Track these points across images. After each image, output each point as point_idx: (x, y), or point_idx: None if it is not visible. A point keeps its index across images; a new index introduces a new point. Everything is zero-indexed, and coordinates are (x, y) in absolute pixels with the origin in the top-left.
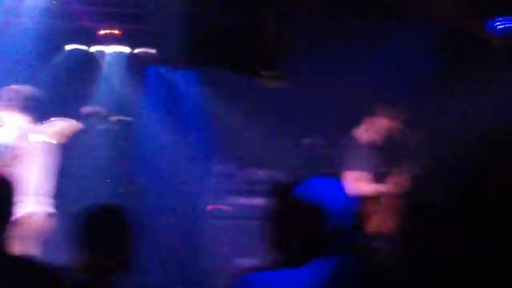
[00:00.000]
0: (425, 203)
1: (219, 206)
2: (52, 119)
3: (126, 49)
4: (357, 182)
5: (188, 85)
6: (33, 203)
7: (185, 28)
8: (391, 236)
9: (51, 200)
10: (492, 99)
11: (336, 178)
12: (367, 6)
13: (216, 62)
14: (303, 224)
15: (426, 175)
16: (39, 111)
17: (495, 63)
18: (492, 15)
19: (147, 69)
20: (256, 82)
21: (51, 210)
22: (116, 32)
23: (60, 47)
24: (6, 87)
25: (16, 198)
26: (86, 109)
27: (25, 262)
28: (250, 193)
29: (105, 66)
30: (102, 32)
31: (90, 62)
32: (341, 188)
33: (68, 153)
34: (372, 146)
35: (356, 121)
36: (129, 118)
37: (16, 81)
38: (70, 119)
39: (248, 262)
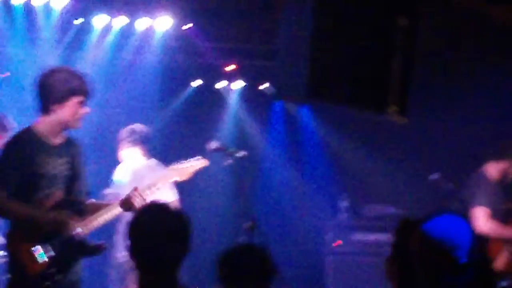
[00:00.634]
0: None
1: (344, 242)
2: (186, 161)
3: (251, 85)
4: (485, 219)
5: (312, 121)
6: None
7: (311, 64)
8: None
9: None
10: None
11: (463, 214)
12: (494, 45)
13: (341, 98)
14: (431, 261)
15: None
16: (163, 147)
17: None
18: None
19: (271, 104)
20: (382, 118)
21: None
22: (241, 68)
23: (186, 84)
24: (126, 128)
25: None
26: (211, 145)
27: None
28: (376, 229)
29: (230, 101)
30: (227, 68)
31: (215, 98)
32: (468, 225)
33: (192, 189)
34: (501, 183)
35: (484, 158)
36: (251, 154)
37: (143, 117)
38: (199, 157)
39: None
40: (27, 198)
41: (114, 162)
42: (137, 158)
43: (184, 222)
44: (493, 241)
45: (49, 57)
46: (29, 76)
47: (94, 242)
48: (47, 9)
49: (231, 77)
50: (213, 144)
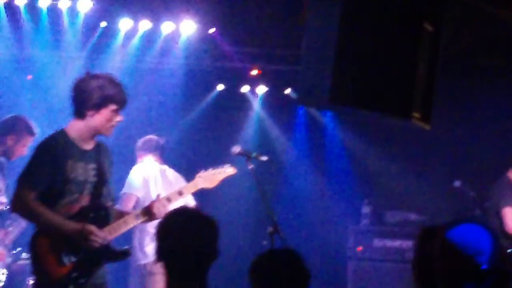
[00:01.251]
0: None
1: (366, 248)
2: (213, 168)
3: (275, 90)
4: None
5: (335, 126)
6: None
7: (335, 69)
8: None
9: None
10: None
11: (485, 221)
12: None
13: (365, 103)
14: (453, 268)
15: None
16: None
17: None
18: None
19: (295, 109)
20: (406, 124)
21: None
22: (265, 72)
23: (210, 88)
24: (143, 138)
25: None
26: (234, 149)
27: None
28: (398, 235)
29: (255, 106)
30: (252, 72)
31: (239, 102)
32: (490, 232)
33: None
34: None
35: (508, 165)
36: (274, 158)
37: (167, 121)
38: (228, 165)
39: None
40: (54, 201)
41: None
42: (151, 164)
43: (213, 226)
44: None
45: (73, 60)
46: (54, 79)
47: (119, 247)
48: (72, 12)
49: (254, 81)
50: (236, 149)
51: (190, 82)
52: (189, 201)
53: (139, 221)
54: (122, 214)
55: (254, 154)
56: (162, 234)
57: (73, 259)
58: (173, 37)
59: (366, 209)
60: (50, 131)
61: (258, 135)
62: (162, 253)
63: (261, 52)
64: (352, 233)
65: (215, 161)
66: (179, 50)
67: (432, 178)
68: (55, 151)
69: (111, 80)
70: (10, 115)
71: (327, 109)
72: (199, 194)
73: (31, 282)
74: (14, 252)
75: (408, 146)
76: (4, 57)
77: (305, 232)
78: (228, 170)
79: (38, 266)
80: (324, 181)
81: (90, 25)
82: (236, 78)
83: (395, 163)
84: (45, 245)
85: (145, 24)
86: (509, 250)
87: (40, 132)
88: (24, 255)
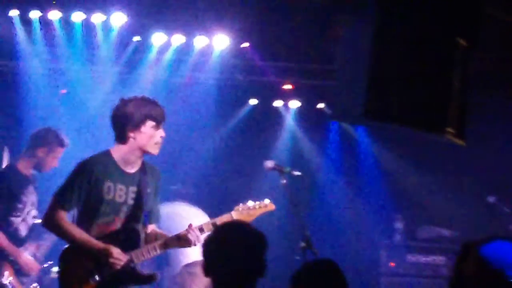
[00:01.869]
0: None
1: (398, 264)
2: (252, 202)
3: (308, 104)
4: None
5: (368, 140)
6: None
7: (369, 84)
8: None
9: None
10: None
11: None
12: None
13: (398, 118)
14: (487, 285)
15: None
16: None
17: None
18: None
19: (328, 124)
20: (440, 140)
21: None
22: (298, 87)
23: (243, 102)
24: None
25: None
26: (267, 164)
27: None
28: (431, 251)
29: (287, 120)
30: (285, 87)
31: (272, 117)
32: None
33: None
34: None
35: None
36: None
37: (200, 135)
38: (268, 200)
39: None
40: (90, 221)
41: (172, 179)
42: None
43: (262, 239)
44: None
45: (106, 75)
46: (87, 94)
47: (146, 271)
48: (106, 26)
49: (287, 96)
50: (269, 163)
51: (223, 96)
52: None
53: (172, 247)
54: (157, 237)
55: (287, 169)
56: (210, 248)
57: (99, 278)
58: (206, 51)
59: (399, 225)
60: (81, 145)
61: (291, 150)
62: (210, 268)
63: (294, 67)
64: (385, 248)
65: (248, 176)
66: (212, 65)
67: (466, 194)
68: (92, 171)
69: (144, 99)
70: (40, 128)
71: (361, 124)
72: None
73: None
74: (46, 265)
75: (441, 161)
76: (38, 70)
77: (337, 247)
78: (266, 207)
79: (64, 282)
80: (357, 196)
81: (124, 40)
82: (269, 92)
83: (428, 178)
84: (73, 261)
85: (178, 39)
86: None
87: (71, 145)
88: (54, 269)
